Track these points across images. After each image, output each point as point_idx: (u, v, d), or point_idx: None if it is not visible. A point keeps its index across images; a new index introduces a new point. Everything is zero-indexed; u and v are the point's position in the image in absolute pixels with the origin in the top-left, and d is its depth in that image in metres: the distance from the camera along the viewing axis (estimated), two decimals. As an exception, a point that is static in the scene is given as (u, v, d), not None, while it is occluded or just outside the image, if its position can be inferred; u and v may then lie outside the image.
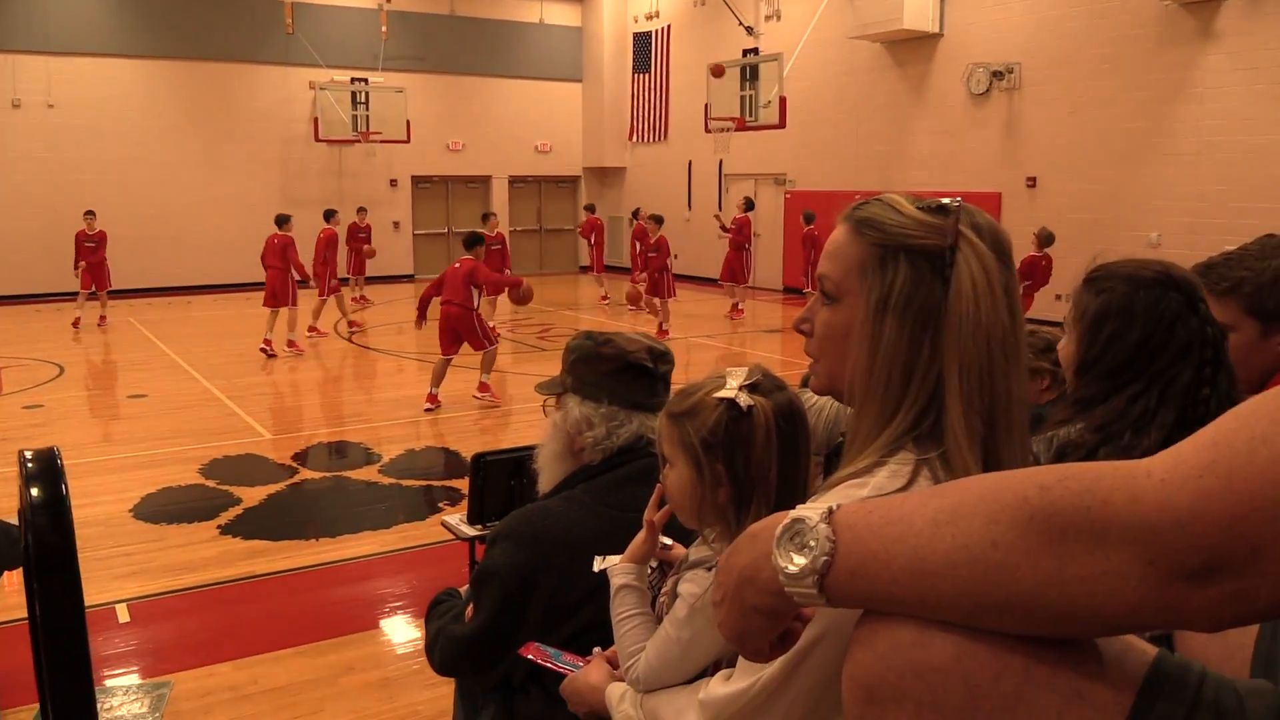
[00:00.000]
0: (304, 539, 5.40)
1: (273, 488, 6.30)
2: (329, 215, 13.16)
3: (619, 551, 1.55)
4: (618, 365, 1.81)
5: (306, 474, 6.64)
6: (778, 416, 1.29)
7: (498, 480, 3.91)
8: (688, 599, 1.34)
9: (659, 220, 13.11)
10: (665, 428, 1.36)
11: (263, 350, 11.20)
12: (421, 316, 8.60)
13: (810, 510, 0.79)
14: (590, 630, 1.67)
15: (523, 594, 1.72)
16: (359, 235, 15.53)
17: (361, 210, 15.97)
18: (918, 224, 1.01)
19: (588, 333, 1.92)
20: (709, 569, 1.36)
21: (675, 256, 15.23)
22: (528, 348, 11.93)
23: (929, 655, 0.71)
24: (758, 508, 1.28)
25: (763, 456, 1.28)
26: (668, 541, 1.57)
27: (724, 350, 11.64)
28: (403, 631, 4.24)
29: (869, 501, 0.79)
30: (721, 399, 1.30)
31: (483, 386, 8.86)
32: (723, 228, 14.99)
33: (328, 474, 6.69)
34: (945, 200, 1.04)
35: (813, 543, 0.76)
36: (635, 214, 16.01)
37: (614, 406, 1.80)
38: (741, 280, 14.68)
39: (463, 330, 8.66)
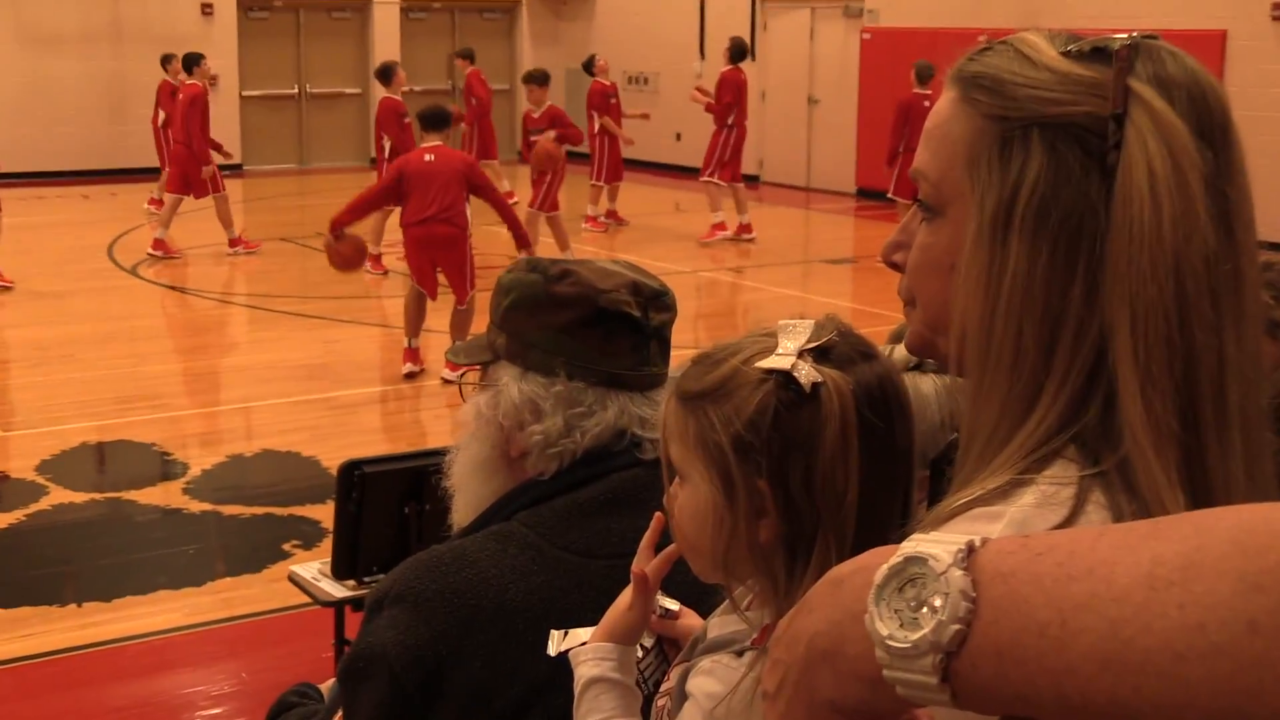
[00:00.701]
0: (56, 604, 5.40)
1: (1, 520, 6.31)
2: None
3: (588, 622, 1.56)
4: (582, 313, 1.82)
5: (60, 495, 6.65)
6: (862, 402, 1.30)
7: (382, 506, 3.90)
8: (704, 702, 1.36)
9: (540, 79, 12.97)
10: (674, 418, 1.38)
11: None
12: (339, 231, 8.47)
13: (937, 545, 0.80)
14: (541, 755, 1.72)
15: (425, 692, 1.75)
16: (171, 98, 15.63)
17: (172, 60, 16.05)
18: (1059, 80, 1.03)
19: (532, 260, 1.93)
20: (739, 654, 1.37)
21: (630, 142, 15.45)
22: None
23: None
24: (824, 552, 1.30)
25: (835, 467, 1.29)
26: (672, 606, 1.58)
27: (708, 302, 11.69)
28: (227, 757, 4.32)
29: (1034, 538, 0.80)
30: (769, 371, 1.31)
31: (410, 354, 9.00)
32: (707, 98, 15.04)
33: (95, 496, 6.70)
34: (1110, 39, 1.05)
35: (938, 599, 0.78)
36: (589, 64, 15.95)
37: (577, 383, 1.81)
38: (725, 175, 14.72)
39: (450, 264, 8.69)
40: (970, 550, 0.79)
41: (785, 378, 1.30)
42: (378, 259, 11.66)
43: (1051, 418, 1.02)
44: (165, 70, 15.54)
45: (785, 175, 19.08)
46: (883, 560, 0.82)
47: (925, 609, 0.78)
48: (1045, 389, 1.02)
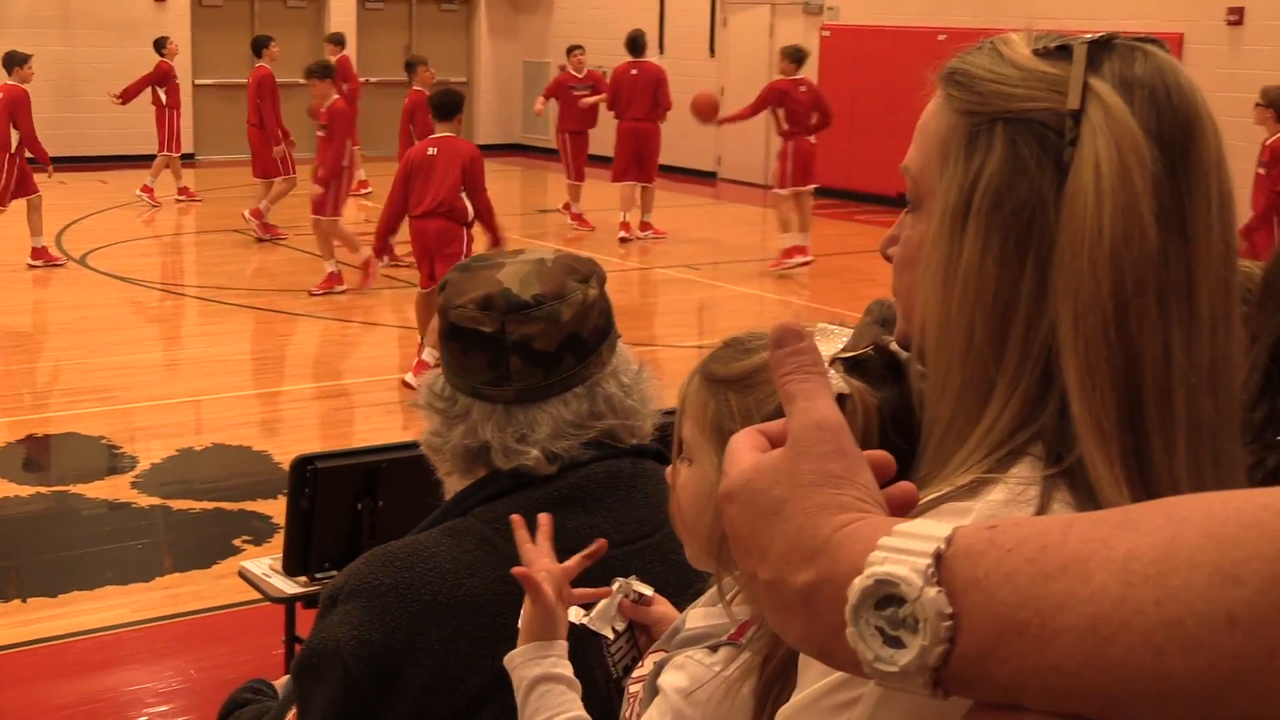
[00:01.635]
0: (0, 600, 5.37)
1: (-50, 512, 6.28)
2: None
3: None
4: (444, 326, 1.90)
5: (5, 488, 6.61)
6: (886, 421, 1.28)
7: (335, 502, 3.90)
8: (673, 698, 1.36)
9: (324, 74, 11.63)
10: (694, 397, 1.38)
11: None
12: (383, 245, 8.82)
13: (903, 563, 0.79)
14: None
15: (379, 688, 1.74)
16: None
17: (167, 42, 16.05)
18: (1023, 76, 1.04)
19: (463, 262, 1.98)
20: (714, 649, 1.37)
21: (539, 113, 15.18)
22: (389, 281, 11.90)
23: None
24: None
25: None
26: (645, 591, 1.60)
27: (662, 299, 11.66)
28: (175, 754, 4.28)
29: (1001, 531, 0.80)
30: None
31: (422, 366, 8.58)
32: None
33: (41, 489, 6.66)
34: (1077, 37, 1.05)
35: (919, 621, 0.78)
36: (571, 51, 15.82)
37: (447, 392, 1.89)
38: (572, 172, 14.48)
39: (447, 259, 8.48)
40: (938, 559, 0.79)
41: None
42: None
43: (1008, 414, 1.01)
44: (160, 53, 15.71)
45: (743, 172, 19.09)
46: (851, 578, 0.81)
47: (904, 629, 0.79)
48: (998, 383, 1.02)
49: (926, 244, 1.07)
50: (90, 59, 18.15)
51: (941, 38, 16.28)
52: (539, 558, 1.59)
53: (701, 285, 12.03)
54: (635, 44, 14.54)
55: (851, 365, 1.30)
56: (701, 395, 1.36)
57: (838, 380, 1.28)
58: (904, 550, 0.80)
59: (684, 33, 19.63)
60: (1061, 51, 1.04)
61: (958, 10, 15.80)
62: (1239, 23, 13.83)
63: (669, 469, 1.43)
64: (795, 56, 12.89)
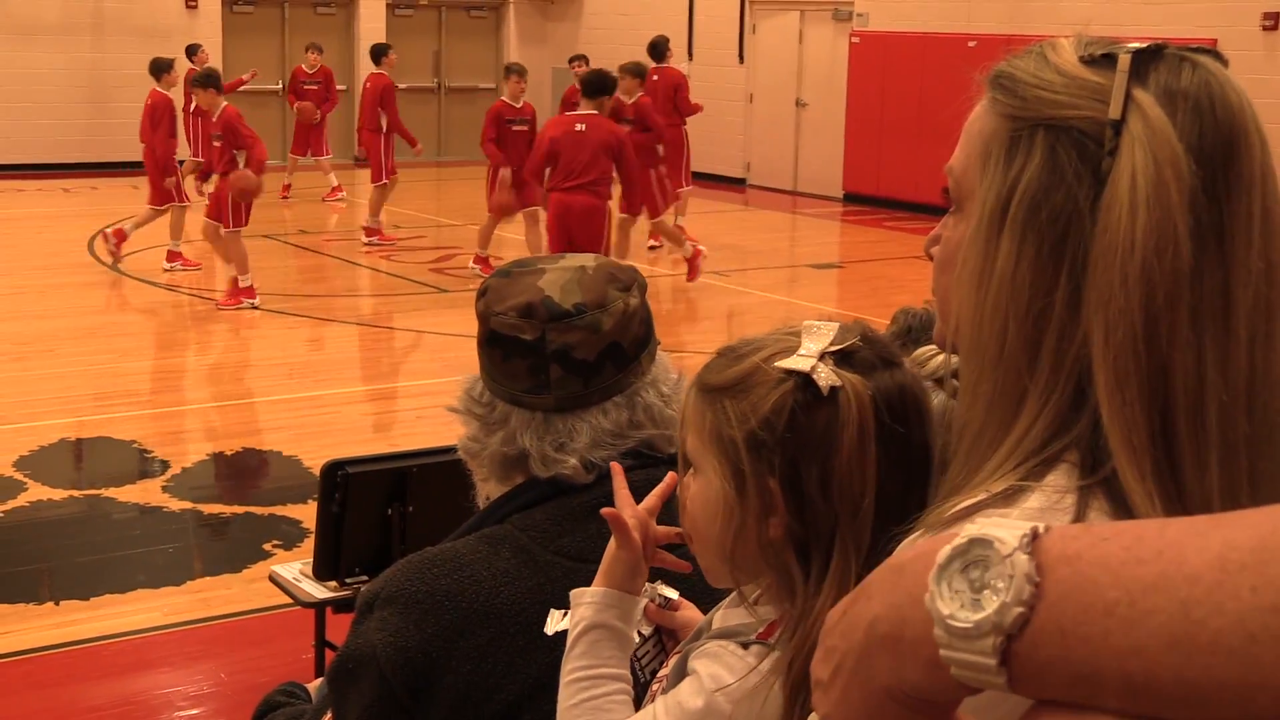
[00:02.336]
0: (32, 602, 5.39)
1: (-19, 515, 6.32)
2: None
3: None
4: (484, 332, 1.88)
5: (38, 492, 6.63)
6: (881, 408, 1.30)
7: (365, 507, 3.90)
8: (706, 682, 1.36)
9: (206, 83, 11.08)
10: (692, 409, 1.39)
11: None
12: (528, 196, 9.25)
13: (1001, 528, 0.80)
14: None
15: (415, 695, 1.74)
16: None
17: (198, 50, 16.36)
18: (1066, 83, 1.04)
19: (504, 267, 1.95)
20: (745, 645, 1.37)
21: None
22: (420, 286, 11.94)
23: None
24: (843, 554, 1.30)
25: (851, 471, 1.30)
26: (671, 595, 1.60)
27: (691, 306, 11.67)
28: (206, 757, 4.31)
29: (1098, 526, 0.81)
30: (789, 371, 1.32)
31: None
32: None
33: (73, 493, 6.69)
34: (1123, 45, 1.05)
35: (1001, 582, 0.78)
36: (575, 61, 15.70)
37: (486, 398, 1.87)
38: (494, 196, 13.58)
39: (588, 236, 8.66)
40: (1035, 536, 0.79)
41: (804, 379, 1.30)
42: (485, 261, 11.74)
43: (1042, 422, 1.02)
44: (191, 60, 15.88)
45: (772, 179, 19.09)
46: (944, 543, 0.81)
47: (988, 591, 0.78)
48: (1030, 391, 1.02)
49: (963, 248, 1.07)
50: (122, 65, 18.27)
51: (972, 44, 16.33)
52: (628, 504, 1.56)
53: (731, 292, 12.02)
54: (656, 49, 14.53)
55: (841, 358, 1.32)
56: (699, 406, 1.37)
57: (829, 373, 1.30)
58: (1001, 523, 0.81)
59: (713, 39, 19.64)
60: (1107, 59, 1.04)
61: (985, 16, 15.76)
62: (1274, 28, 13.76)
63: (680, 485, 1.43)
64: (636, 71, 11.90)
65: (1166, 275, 0.98)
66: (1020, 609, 0.77)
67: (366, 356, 9.84)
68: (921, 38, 16.41)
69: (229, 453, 7.37)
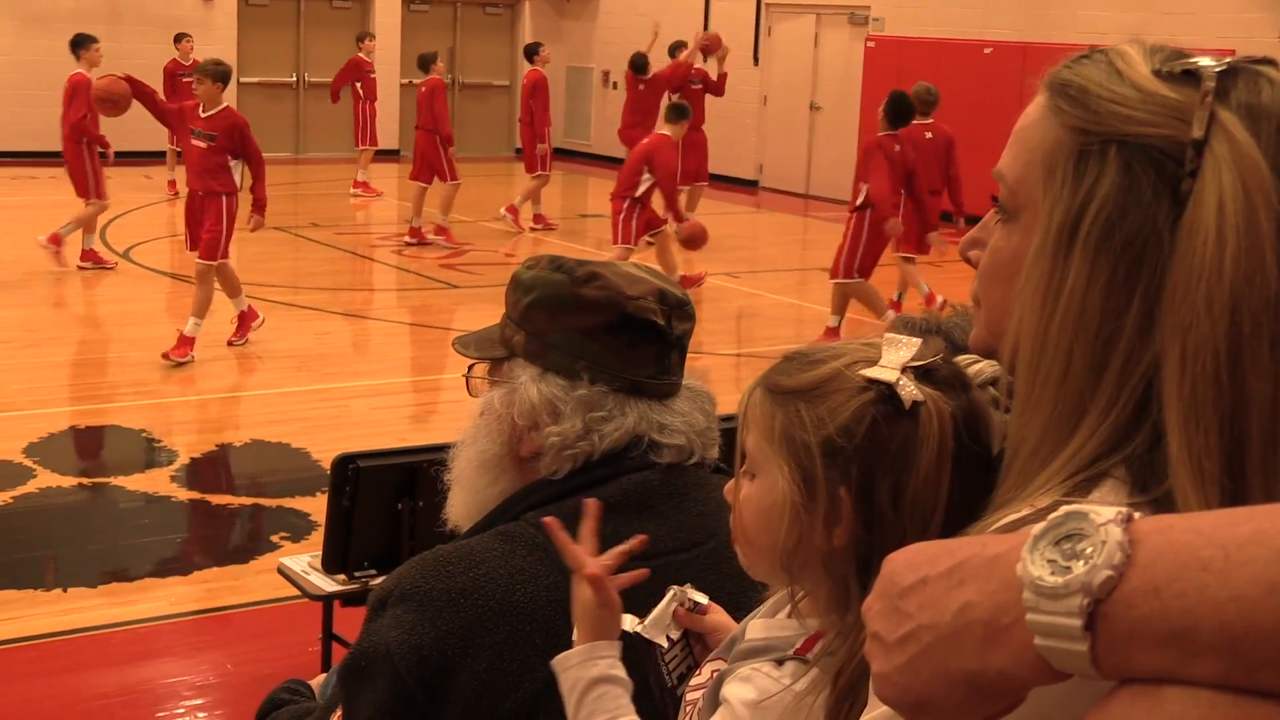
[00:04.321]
0: (40, 589, 5.40)
1: (-11, 501, 6.33)
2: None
3: None
4: (608, 319, 1.82)
5: (46, 479, 6.63)
6: (960, 426, 1.29)
7: (376, 501, 3.90)
8: (739, 710, 1.35)
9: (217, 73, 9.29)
10: (758, 409, 1.36)
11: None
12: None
13: (1096, 507, 0.81)
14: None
15: (430, 694, 1.72)
16: (181, 79, 15.54)
17: (184, 39, 16.17)
18: (1143, 99, 1.01)
19: (557, 259, 1.90)
20: (779, 662, 1.36)
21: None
22: (430, 281, 11.94)
23: None
24: None
25: (926, 488, 1.28)
26: (700, 599, 1.58)
27: (702, 307, 11.66)
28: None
29: (1170, 516, 0.82)
30: (872, 381, 1.30)
31: None
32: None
33: (82, 481, 6.70)
34: (1201, 61, 1.02)
35: (1090, 549, 0.79)
36: (635, 62, 15.77)
37: (600, 387, 1.80)
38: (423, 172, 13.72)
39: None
40: (1129, 517, 0.81)
41: (888, 390, 1.29)
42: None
43: (1095, 440, 1.00)
44: (177, 47, 15.83)
45: (784, 181, 19.08)
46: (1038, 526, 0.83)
47: (1079, 560, 0.79)
48: (1090, 412, 1.01)
49: (1027, 263, 1.05)
50: (137, 55, 18.26)
51: (987, 50, 16.32)
52: (586, 555, 1.58)
53: (741, 294, 12.01)
54: (672, 54, 14.79)
55: (922, 374, 1.30)
56: (767, 407, 1.34)
57: (913, 388, 1.28)
58: (1094, 505, 0.82)
59: (728, 41, 19.58)
60: (1187, 76, 1.01)
61: (1001, 22, 15.74)
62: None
63: (729, 485, 1.42)
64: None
65: (1255, 303, 0.96)
66: (1109, 572, 0.78)
67: (376, 351, 9.84)
68: (937, 43, 16.38)
69: (238, 444, 7.38)
